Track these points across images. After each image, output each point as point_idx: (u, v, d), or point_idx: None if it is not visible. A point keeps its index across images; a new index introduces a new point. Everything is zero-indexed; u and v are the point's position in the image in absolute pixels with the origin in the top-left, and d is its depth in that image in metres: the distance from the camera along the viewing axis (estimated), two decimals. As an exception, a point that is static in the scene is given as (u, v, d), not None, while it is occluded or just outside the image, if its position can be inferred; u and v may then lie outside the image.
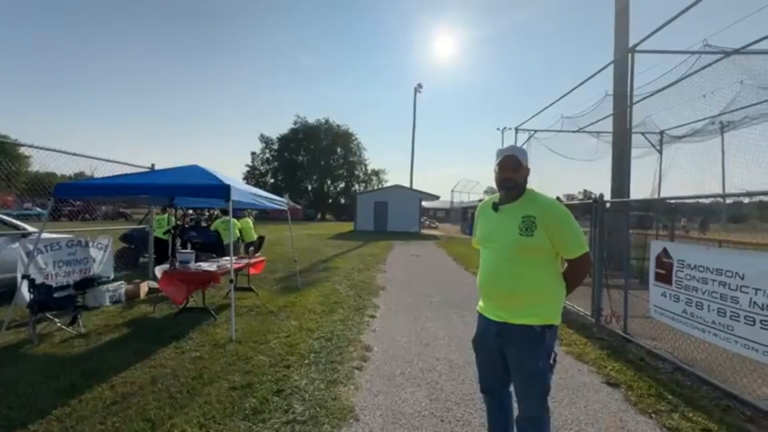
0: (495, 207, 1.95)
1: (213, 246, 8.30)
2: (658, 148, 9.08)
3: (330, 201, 57.38)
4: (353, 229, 25.32)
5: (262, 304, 5.54)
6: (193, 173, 4.89)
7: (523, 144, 9.85)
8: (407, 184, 30.20)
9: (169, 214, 7.47)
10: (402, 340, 4.16)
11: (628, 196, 4.84)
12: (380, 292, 6.56)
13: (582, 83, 7.66)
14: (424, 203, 29.36)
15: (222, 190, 4.34)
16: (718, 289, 3.17)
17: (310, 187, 57.37)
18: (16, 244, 4.76)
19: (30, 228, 5.46)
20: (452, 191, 39.51)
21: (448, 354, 3.75)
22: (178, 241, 6.60)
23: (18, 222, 5.60)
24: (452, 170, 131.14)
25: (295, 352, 3.71)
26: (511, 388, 1.95)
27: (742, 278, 2.97)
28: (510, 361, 1.86)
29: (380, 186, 50.42)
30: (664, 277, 3.80)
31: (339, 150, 56.91)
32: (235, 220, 8.78)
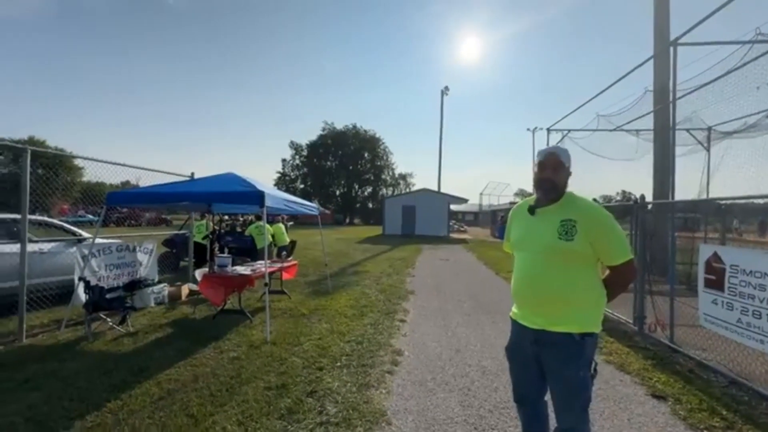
0: (531, 210, 1.89)
1: (247, 250, 8.63)
2: (705, 145, 8.51)
3: (358, 205, 57.97)
4: (381, 233, 25.41)
5: (294, 306, 5.68)
6: (229, 181, 5.13)
7: (557, 144, 9.54)
8: (435, 188, 29.95)
9: (207, 220, 7.84)
10: (433, 345, 4.13)
11: (672, 197, 4.56)
12: (410, 297, 6.55)
13: (620, 79, 7.32)
14: (453, 206, 29.00)
15: (257, 196, 4.51)
16: (779, 296, 2.92)
17: (338, 192, 58.27)
18: (74, 249, 5.17)
19: (85, 234, 5.91)
20: (481, 194, 38.83)
21: (481, 361, 3.68)
22: (216, 246, 6.90)
23: (74, 228, 6.09)
24: (481, 172, 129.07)
25: (327, 354, 3.78)
26: (548, 398, 1.88)
27: (807, 285, 2.73)
28: (548, 370, 1.80)
29: (408, 190, 50.38)
30: (716, 283, 3.55)
31: (366, 155, 57.50)
32: (267, 225, 9.09)
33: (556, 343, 1.73)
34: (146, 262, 6.12)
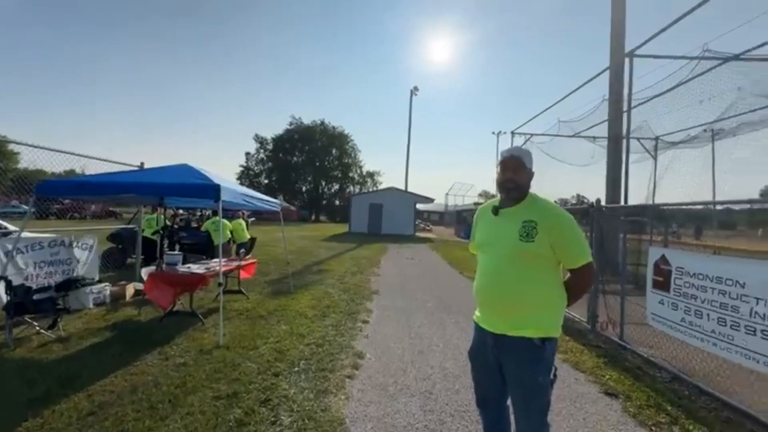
0: (495, 210, 1.86)
1: (203, 247, 8.15)
2: (652, 153, 9.09)
3: (324, 202, 57.12)
4: (347, 231, 25.16)
5: (252, 307, 5.40)
6: (183, 172, 4.75)
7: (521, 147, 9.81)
8: (402, 187, 30.11)
9: (159, 214, 7.29)
10: (395, 347, 4.05)
11: (626, 201, 4.78)
12: (373, 296, 6.45)
13: (577, 89, 7.66)
14: (419, 206, 29.31)
15: (211, 190, 4.20)
16: (718, 297, 3.11)
17: (304, 188, 57.09)
18: (-5, 244, 4.58)
19: (11, 227, 5.27)
20: (447, 194, 39.64)
21: (443, 362, 3.65)
22: (166, 242, 6.42)
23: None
24: (447, 173, 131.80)
25: (284, 358, 3.58)
26: (509, 403, 1.85)
27: (743, 287, 2.91)
28: (507, 374, 1.77)
29: (375, 188, 50.31)
30: (662, 285, 3.74)
31: (334, 151, 56.73)
32: (226, 221, 8.63)
33: (516, 347, 1.71)
34: (85, 258, 5.57)
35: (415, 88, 36.97)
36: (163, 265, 4.73)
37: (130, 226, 7.79)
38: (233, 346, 3.84)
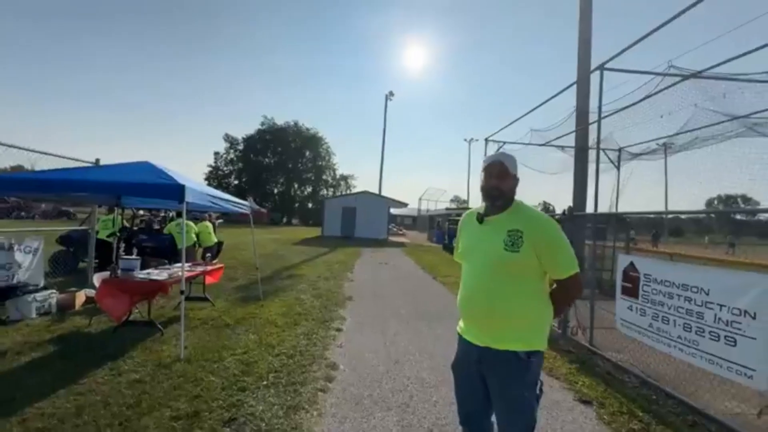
0: (480, 218, 1.79)
1: (166, 251, 7.66)
2: (616, 164, 9.51)
3: (297, 205, 56.01)
4: (320, 235, 24.74)
5: (218, 315, 5.09)
6: (143, 170, 4.41)
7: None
8: (376, 191, 30.06)
9: (116, 215, 6.77)
10: (370, 356, 3.91)
11: (595, 209, 4.94)
12: (347, 303, 6.28)
13: (547, 101, 7.90)
14: (393, 210, 29.35)
15: (175, 190, 3.91)
16: (684, 304, 3.21)
17: (276, 191, 55.75)
18: None
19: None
20: (420, 199, 40.01)
21: (419, 372, 3.55)
22: (123, 246, 5.95)
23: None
24: (420, 178, 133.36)
25: (252, 371, 3.36)
26: (494, 419, 1.77)
27: (707, 294, 3.02)
28: (492, 390, 1.69)
29: (349, 191, 49.99)
30: (631, 291, 3.85)
31: (307, 153, 55.86)
32: (191, 224, 8.19)
33: (501, 361, 1.63)
34: (28, 263, 5.06)
35: (390, 93, 37.14)
36: (118, 271, 4.35)
37: (83, 227, 7.20)
38: (195, 359, 3.56)
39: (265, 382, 3.15)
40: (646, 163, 8.38)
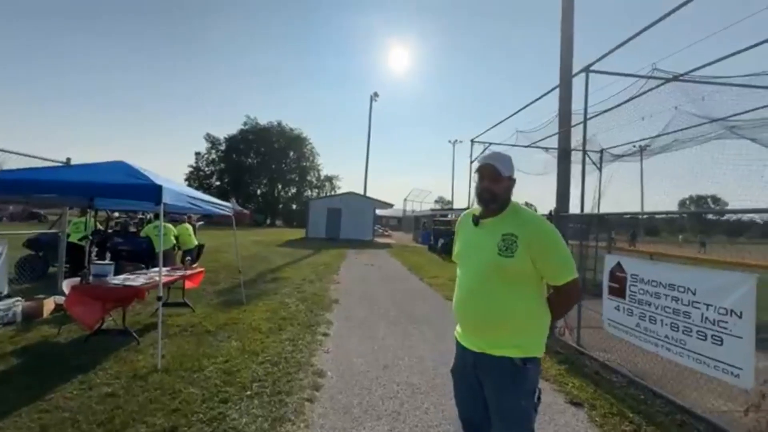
0: (475, 221, 1.73)
1: (143, 254, 7.36)
2: (598, 165, 9.69)
3: (281, 206, 55.28)
4: (305, 237, 24.43)
5: (198, 322, 4.87)
6: (117, 170, 4.17)
7: (478, 157, 10.05)
8: (361, 191, 29.91)
9: (88, 218, 6.44)
10: (358, 362, 3.80)
11: (582, 210, 5.00)
12: (333, 306, 6.14)
13: (532, 103, 7.99)
14: (378, 211, 29.26)
15: (151, 191, 3.72)
16: (671, 304, 3.24)
17: (259, 192, 54.89)
18: None
19: None
20: (405, 200, 40.02)
21: (409, 377, 3.46)
22: (94, 250, 5.65)
23: None
24: (405, 179, 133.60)
25: (234, 381, 3.20)
26: None
27: (694, 294, 3.05)
28: (488, 397, 1.63)
29: (333, 192, 49.63)
30: (618, 291, 3.87)
31: (291, 154, 55.21)
32: (171, 226, 7.89)
33: (496, 368, 1.57)
34: (-9, 269, 4.72)
35: (375, 94, 37.10)
36: (90, 277, 4.10)
37: (53, 230, 6.82)
38: (174, 369, 3.37)
39: (248, 393, 3.00)
40: (627, 165, 8.56)
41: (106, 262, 4.44)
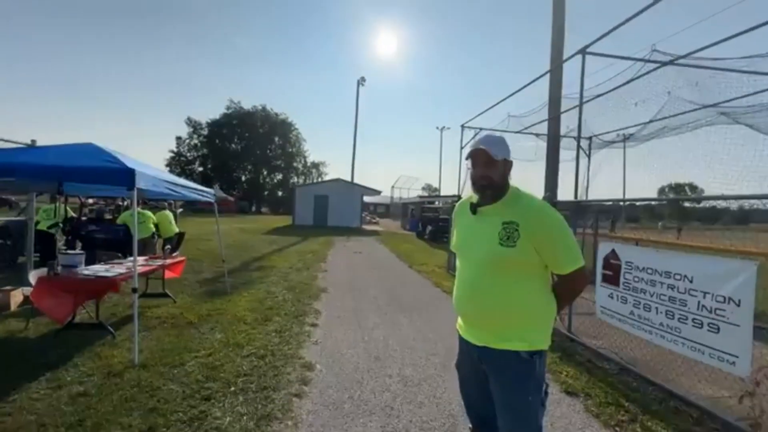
0: (473, 209, 1.59)
1: (120, 243, 7.00)
2: (587, 152, 9.67)
3: (266, 193, 54.38)
4: (291, 224, 24.07)
5: (179, 313, 4.66)
6: (86, 153, 3.86)
7: (468, 142, 9.89)
8: (348, 178, 29.54)
9: (58, 204, 6.05)
10: (348, 353, 3.67)
11: (575, 197, 4.92)
12: (321, 295, 5.99)
13: (523, 87, 7.84)
14: (366, 198, 29.03)
15: (123, 175, 3.44)
16: (667, 291, 3.19)
17: (244, 178, 53.77)
18: None
19: None
20: (393, 187, 39.85)
21: (402, 369, 3.35)
22: (68, 238, 5.31)
23: None
24: (393, 166, 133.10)
25: (218, 376, 3.03)
26: None
27: (691, 281, 3.00)
28: (494, 394, 1.53)
29: (320, 179, 48.97)
30: (612, 279, 3.82)
31: (277, 139, 54.05)
32: (150, 213, 7.55)
33: (501, 362, 1.48)
34: (-51, 259, 4.37)
35: (362, 79, 36.34)
36: (58, 268, 3.81)
37: (21, 218, 6.41)
38: (152, 364, 3.18)
39: (232, 389, 2.84)
40: (617, 152, 8.56)
41: (76, 251, 4.14)
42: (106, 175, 3.57)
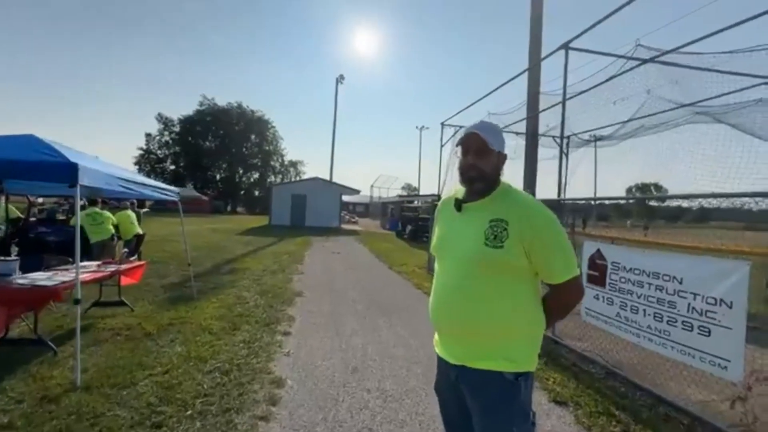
0: (458, 205, 1.38)
1: (73, 246, 6.41)
2: (565, 151, 9.72)
3: (242, 192, 52.92)
4: (268, 224, 23.37)
5: (136, 323, 4.22)
6: (24, 146, 3.39)
7: (448, 141, 9.77)
8: (327, 178, 29.03)
9: (0, 203, 5.44)
10: (323, 365, 3.38)
11: (558, 195, 4.82)
12: (296, 300, 5.65)
13: (503, 85, 7.79)
14: (345, 197, 28.62)
15: (64, 169, 3.03)
16: (655, 293, 3.09)
17: (219, 177, 52.12)
18: None
19: None
20: (372, 186, 39.58)
21: (381, 382, 3.09)
22: (16, 240, 4.75)
23: None
24: (372, 165, 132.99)
25: (173, 397, 2.68)
26: None
27: (681, 282, 2.90)
28: (474, 421, 1.31)
29: (298, 178, 48.06)
30: (598, 280, 3.70)
31: (253, 137, 52.63)
32: (108, 214, 6.99)
33: (482, 385, 1.27)
34: None
35: (341, 77, 36.00)
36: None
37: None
38: (98, 385, 2.79)
39: (189, 412, 2.50)
40: (592, 150, 8.62)
41: (10, 258, 3.64)
42: (44, 170, 3.14)
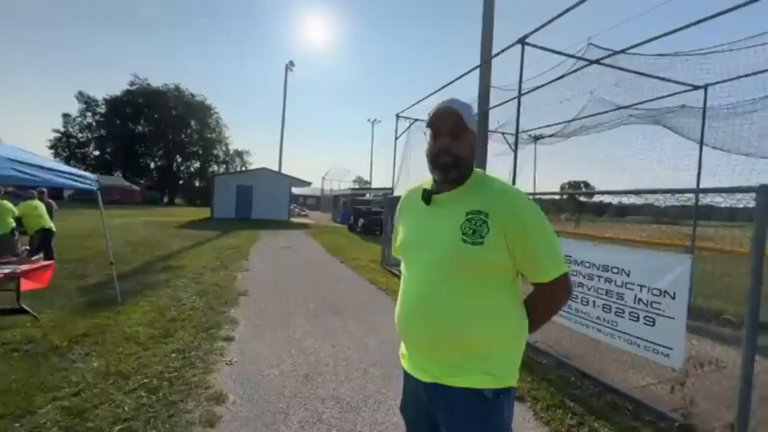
0: (427, 197, 1.20)
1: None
2: (513, 147, 10.08)
3: (181, 182, 49.06)
4: (210, 217, 21.81)
5: (42, 335, 3.55)
6: None
7: (403, 133, 9.66)
8: (276, 168, 27.76)
9: None
10: (271, 374, 3.06)
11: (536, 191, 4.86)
12: (240, 300, 5.19)
13: (457, 79, 7.83)
14: (294, 190, 27.62)
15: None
16: (605, 285, 3.19)
17: (153, 165, 47.79)
18: None
19: None
20: (323, 178, 38.74)
21: (336, 388, 2.86)
22: None
23: None
24: (324, 158, 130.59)
25: (83, 427, 2.22)
26: None
27: (628, 275, 3.01)
28: None
29: (244, 169, 45.54)
30: (550, 273, 3.79)
31: (193, 123, 48.87)
32: (8, 204, 5.93)
33: (457, 405, 1.10)
34: None
35: (291, 63, 34.51)
36: None
37: None
38: (-20, 418, 2.23)
39: (103, 444, 2.08)
40: (543, 147, 9.01)
41: None
42: None
